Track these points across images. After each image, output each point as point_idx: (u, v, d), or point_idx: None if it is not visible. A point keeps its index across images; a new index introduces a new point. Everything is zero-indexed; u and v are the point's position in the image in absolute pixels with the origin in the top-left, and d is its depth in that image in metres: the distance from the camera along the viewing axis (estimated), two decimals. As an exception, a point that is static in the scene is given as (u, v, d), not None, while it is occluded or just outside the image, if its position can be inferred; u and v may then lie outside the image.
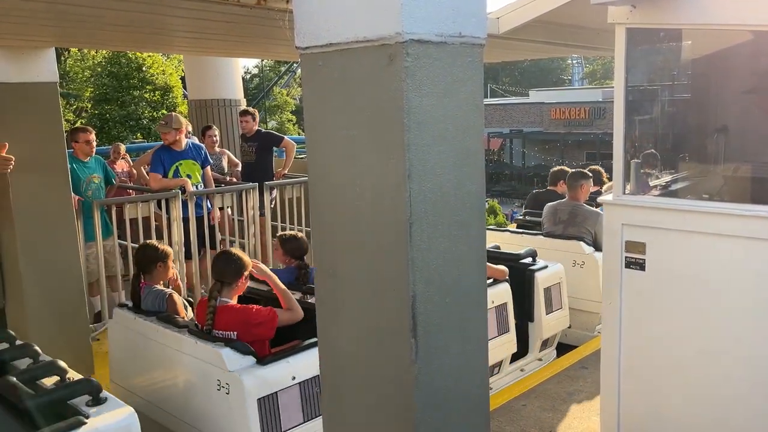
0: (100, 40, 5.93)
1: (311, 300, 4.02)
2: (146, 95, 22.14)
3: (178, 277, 4.56)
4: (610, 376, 3.52)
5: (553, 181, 7.15)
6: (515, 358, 5.09)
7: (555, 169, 7.42)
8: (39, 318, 4.06)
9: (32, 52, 4.79)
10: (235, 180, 8.02)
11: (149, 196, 6.33)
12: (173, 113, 7.08)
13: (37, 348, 3.13)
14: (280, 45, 5.71)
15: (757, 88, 3.41)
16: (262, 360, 3.44)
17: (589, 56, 44.74)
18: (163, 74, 22.42)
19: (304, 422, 3.46)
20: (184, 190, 6.32)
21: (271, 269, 4.25)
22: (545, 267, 5.29)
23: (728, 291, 3.10)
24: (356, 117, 1.84)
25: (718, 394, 3.20)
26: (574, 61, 58.65)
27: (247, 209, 6.93)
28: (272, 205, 7.38)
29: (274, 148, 8.17)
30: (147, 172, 6.98)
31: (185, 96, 18.86)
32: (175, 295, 4.20)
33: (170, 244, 6.29)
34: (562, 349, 5.63)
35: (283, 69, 36.27)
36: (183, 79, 17.19)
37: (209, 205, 6.67)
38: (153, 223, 6.23)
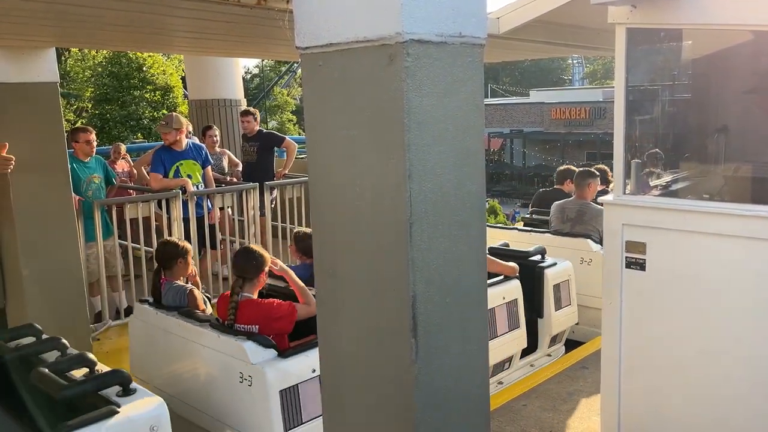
0: (101, 40, 5.93)
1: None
2: (147, 95, 22.14)
3: (197, 273, 4.66)
4: (611, 376, 3.52)
5: (559, 180, 7.20)
6: (525, 353, 5.16)
7: (561, 168, 7.47)
8: (39, 318, 4.06)
9: (33, 52, 4.79)
10: (235, 180, 8.03)
11: (150, 196, 6.34)
12: (174, 113, 7.09)
13: (64, 341, 3.25)
14: (281, 45, 5.71)
15: (757, 88, 3.40)
16: (284, 353, 3.53)
17: (590, 56, 44.74)
18: (164, 74, 22.42)
19: None
20: (184, 190, 6.32)
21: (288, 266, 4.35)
22: (554, 264, 5.36)
23: (729, 291, 3.10)
24: (356, 117, 1.84)
25: (718, 394, 3.20)
26: (575, 61, 58.67)
27: (247, 209, 6.93)
28: (272, 205, 7.38)
29: (275, 149, 8.17)
30: (147, 172, 6.98)
31: (186, 96, 18.87)
32: (196, 291, 4.29)
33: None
34: (570, 345, 5.66)
35: (283, 69, 36.27)
36: (183, 79, 17.20)
37: (209, 205, 6.67)
38: (153, 223, 6.23)
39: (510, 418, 4.30)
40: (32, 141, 4.80)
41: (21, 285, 4.88)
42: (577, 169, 6.90)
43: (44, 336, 3.38)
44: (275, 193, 7.44)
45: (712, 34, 3.32)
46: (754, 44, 3.25)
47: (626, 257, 3.37)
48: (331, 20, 1.83)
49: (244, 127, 8.00)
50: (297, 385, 3.44)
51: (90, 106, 23.46)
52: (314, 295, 3.38)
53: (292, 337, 3.89)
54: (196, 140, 7.74)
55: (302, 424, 3.48)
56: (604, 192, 6.67)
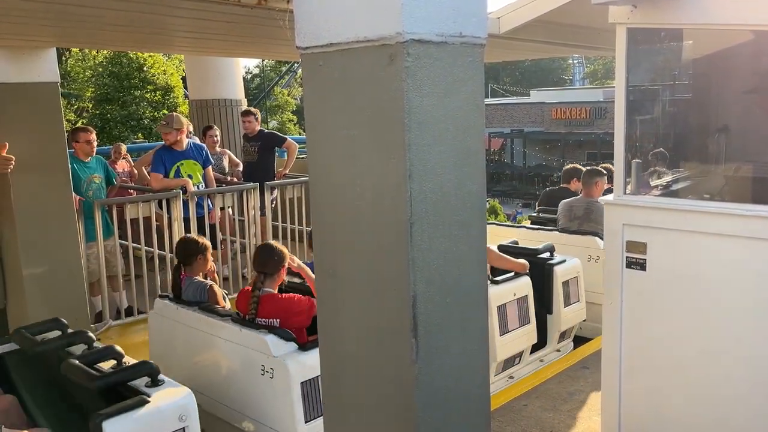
0: (101, 40, 5.94)
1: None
2: (147, 95, 22.14)
3: (215, 269, 4.75)
4: (611, 376, 3.52)
5: (566, 178, 7.25)
6: (535, 349, 5.22)
7: (568, 167, 7.53)
8: (40, 318, 4.08)
9: (33, 52, 4.79)
10: (235, 180, 8.03)
11: (150, 196, 6.34)
12: (174, 113, 7.09)
13: (90, 334, 3.36)
14: (281, 45, 5.71)
15: (758, 88, 3.40)
16: (304, 346, 3.60)
17: (590, 56, 44.73)
18: (164, 74, 22.42)
19: None
20: (185, 190, 6.33)
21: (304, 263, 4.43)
22: (563, 261, 5.41)
23: (729, 291, 3.10)
24: (357, 117, 1.84)
25: (718, 394, 3.20)
26: (575, 61, 58.63)
27: (247, 209, 6.93)
28: (273, 205, 7.38)
29: (276, 149, 8.18)
30: (148, 172, 6.98)
31: (186, 96, 18.87)
32: (215, 286, 4.38)
33: (171, 244, 6.30)
34: (578, 341, 5.72)
35: (284, 69, 36.26)
36: (184, 79, 17.19)
37: (210, 205, 6.68)
38: (154, 223, 6.24)
39: (510, 418, 4.30)
40: (33, 141, 4.80)
41: (21, 285, 4.88)
42: (583, 168, 6.97)
43: (69, 330, 3.48)
44: (275, 193, 7.44)
45: (713, 34, 3.32)
46: (755, 44, 3.25)
47: (627, 257, 3.37)
48: (331, 20, 1.83)
49: (245, 127, 8.01)
50: (317, 377, 3.49)
51: (90, 106, 23.46)
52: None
53: (310, 331, 3.99)
54: (197, 140, 7.74)
55: (322, 415, 3.53)
56: (611, 191, 6.71)
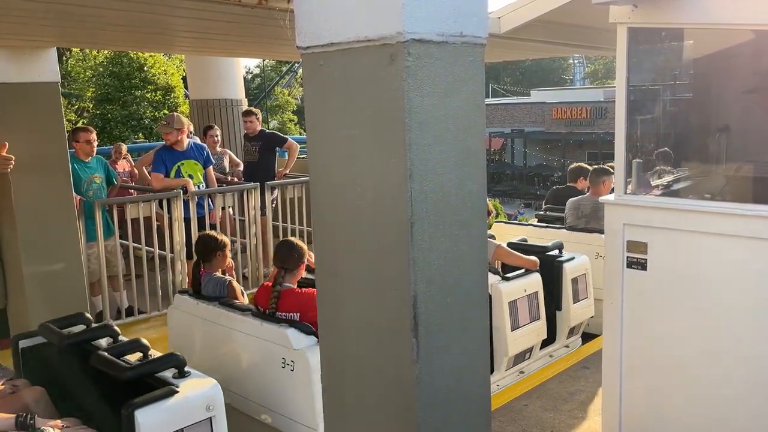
0: (102, 40, 5.93)
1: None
2: (148, 95, 22.15)
3: (233, 266, 4.86)
4: (612, 376, 3.52)
5: (572, 177, 7.33)
6: (544, 344, 5.28)
7: (573, 165, 7.60)
8: (40, 318, 4.08)
9: (33, 52, 4.79)
10: (236, 180, 8.03)
11: (151, 196, 6.34)
12: (175, 113, 7.09)
13: (116, 328, 3.47)
14: (282, 45, 5.71)
15: (758, 88, 3.40)
16: None
17: (591, 56, 44.71)
18: (165, 74, 22.43)
19: None
20: (185, 190, 6.33)
21: None
22: (572, 258, 5.47)
23: (730, 291, 3.10)
24: (357, 117, 1.84)
25: (719, 394, 3.20)
26: (576, 61, 58.61)
27: (248, 209, 6.93)
28: (273, 205, 7.38)
29: (277, 149, 8.18)
30: (149, 172, 6.98)
31: (187, 96, 18.86)
32: (234, 282, 4.46)
33: (172, 244, 6.31)
34: (586, 337, 5.77)
35: (284, 69, 36.27)
36: (184, 79, 17.18)
37: (211, 205, 6.68)
38: (154, 223, 6.24)
39: (511, 418, 4.30)
40: (33, 141, 4.80)
41: (22, 285, 4.88)
42: (589, 167, 7.04)
43: (93, 324, 3.59)
44: (276, 192, 7.44)
45: (714, 33, 3.32)
46: (756, 44, 3.25)
47: (627, 257, 3.37)
48: (332, 20, 1.83)
49: (246, 127, 8.01)
50: None
51: (91, 106, 23.47)
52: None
53: None
54: (198, 140, 7.74)
55: None
56: None
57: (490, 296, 4.69)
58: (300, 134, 24.66)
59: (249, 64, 48.94)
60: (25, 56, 4.76)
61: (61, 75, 5.12)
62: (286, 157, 8.16)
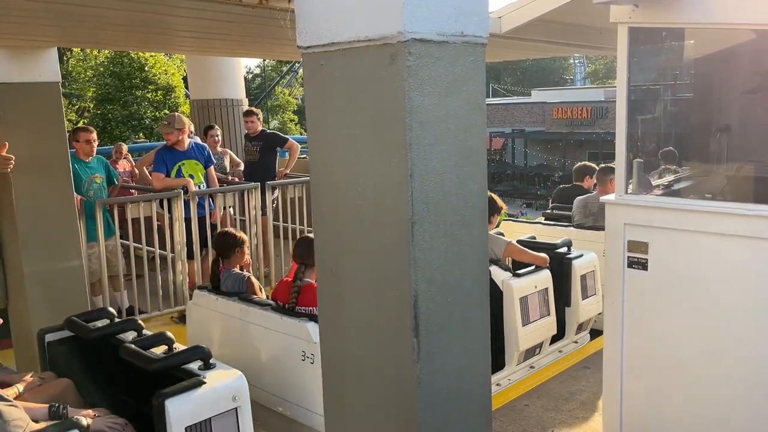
0: (102, 39, 5.93)
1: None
2: (148, 95, 22.15)
3: (250, 262, 4.98)
4: (613, 375, 3.52)
5: (578, 176, 7.41)
6: (554, 340, 5.36)
7: (579, 165, 7.69)
8: (41, 318, 4.09)
9: (34, 51, 4.79)
10: (237, 180, 8.03)
11: (151, 195, 6.34)
12: (176, 113, 7.09)
13: (140, 322, 3.60)
14: (283, 45, 5.71)
15: (759, 88, 3.40)
16: None
17: (592, 56, 44.69)
18: (166, 74, 22.42)
19: None
20: (186, 190, 6.32)
21: None
22: (581, 255, 5.53)
23: (730, 291, 3.10)
24: (358, 116, 1.84)
25: (719, 394, 3.20)
26: (576, 61, 58.58)
27: (248, 209, 6.93)
28: (274, 205, 7.38)
29: (278, 149, 8.18)
30: (149, 172, 6.98)
31: (187, 96, 18.87)
32: (253, 278, 4.59)
33: (172, 244, 6.31)
34: (593, 333, 5.81)
35: (285, 69, 36.27)
36: (185, 78, 17.19)
37: (211, 205, 6.67)
38: (155, 223, 6.23)
39: (512, 418, 4.30)
40: (34, 141, 4.79)
41: (22, 284, 4.88)
42: (595, 166, 7.15)
43: (117, 319, 3.72)
44: (277, 192, 7.43)
45: (715, 33, 3.31)
46: (756, 43, 3.24)
47: (628, 257, 3.37)
48: (332, 20, 1.83)
49: (247, 127, 8.01)
50: None
51: (92, 106, 23.47)
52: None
53: None
54: (198, 140, 7.74)
55: None
56: None
57: (502, 292, 4.82)
58: (301, 134, 24.66)
59: (249, 63, 48.93)
60: (25, 56, 4.76)
61: (61, 75, 5.12)
62: (287, 157, 8.16)
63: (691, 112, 3.84)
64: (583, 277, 5.46)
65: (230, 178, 8.15)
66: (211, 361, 3.13)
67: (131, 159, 9.14)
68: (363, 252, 1.91)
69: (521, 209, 30.41)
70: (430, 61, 1.74)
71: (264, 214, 7.10)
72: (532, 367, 5.11)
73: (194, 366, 3.11)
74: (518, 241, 5.35)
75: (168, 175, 6.44)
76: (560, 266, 5.40)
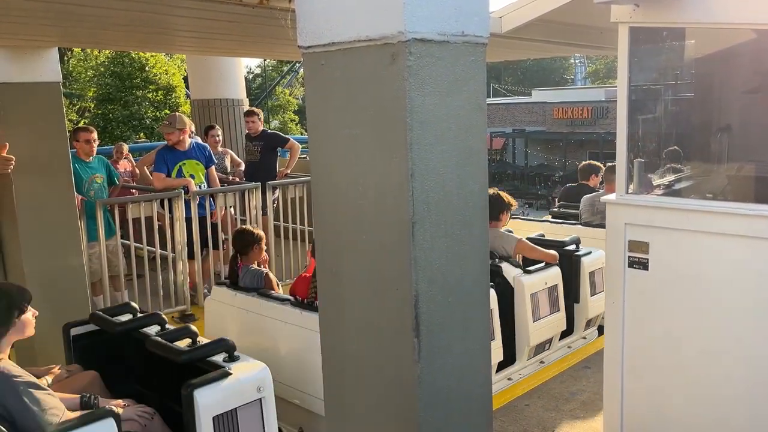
0: (103, 39, 5.93)
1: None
2: (149, 95, 22.17)
3: (267, 258, 5.09)
4: (613, 375, 3.52)
5: (584, 175, 7.50)
6: (563, 336, 5.43)
7: (584, 163, 7.77)
8: (41, 317, 4.09)
9: (35, 51, 4.79)
10: (237, 179, 8.03)
11: (152, 195, 6.34)
12: (177, 113, 7.09)
13: (164, 316, 3.70)
14: (283, 44, 5.71)
15: (760, 87, 3.39)
16: None
17: (592, 55, 44.67)
18: (166, 74, 22.44)
19: None
20: (187, 190, 6.33)
21: None
22: (589, 253, 5.60)
23: (731, 291, 3.09)
24: (359, 116, 1.84)
25: (720, 394, 3.19)
26: (577, 61, 58.54)
27: (249, 209, 6.93)
28: (275, 205, 7.38)
29: (279, 149, 8.18)
30: (150, 172, 6.98)
31: (188, 96, 18.88)
32: (271, 274, 4.67)
33: (173, 244, 6.31)
34: (601, 330, 5.80)
35: (285, 68, 36.28)
36: (186, 78, 17.19)
37: (212, 205, 6.68)
38: (156, 223, 6.24)
39: (512, 418, 4.30)
40: (35, 141, 4.80)
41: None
42: (600, 165, 7.28)
43: (140, 314, 3.80)
44: (277, 192, 7.43)
45: (715, 33, 3.31)
46: (757, 43, 3.24)
47: (629, 257, 3.37)
48: (333, 19, 1.83)
49: (248, 127, 8.01)
50: None
51: (92, 105, 23.50)
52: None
53: None
54: (199, 140, 7.74)
55: None
56: None
57: (513, 288, 4.91)
58: (301, 134, 24.67)
59: (250, 63, 48.97)
60: (26, 56, 4.76)
61: (62, 75, 5.12)
62: (288, 157, 8.16)
63: (692, 111, 3.84)
64: (592, 274, 5.52)
65: (231, 178, 8.16)
66: (235, 353, 3.22)
67: (132, 159, 9.15)
68: (364, 252, 1.91)
69: (524, 209, 30.40)
70: (431, 60, 1.74)
71: (265, 213, 7.11)
72: (542, 362, 5.18)
73: (219, 358, 3.20)
74: (528, 239, 5.42)
75: (169, 175, 6.44)
76: (569, 263, 5.47)
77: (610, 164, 6.87)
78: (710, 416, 3.24)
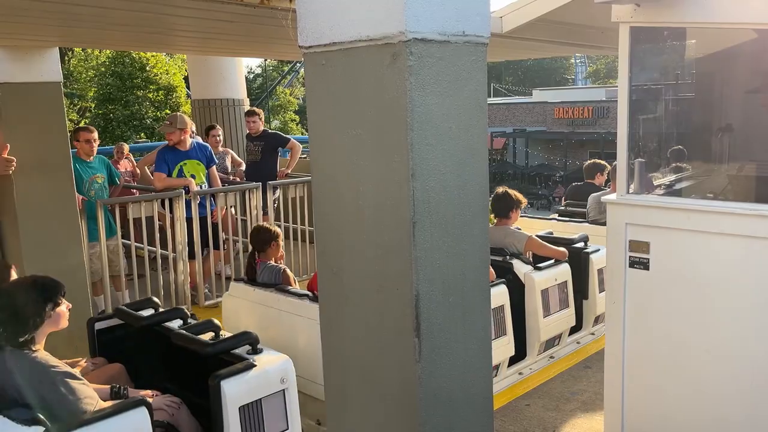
0: (103, 39, 5.94)
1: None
2: (150, 95, 22.17)
3: (284, 255, 5.13)
4: (614, 375, 3.52)
5: (589, 174, 7.56)
6: (572, 332, 5.49)
7: (589, 162, 7.84)
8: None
9: (36, 51, 4.79)
10: (238, 179, 8.03)
11: (153, 195, 6.34)
12: (178, 113, 7.09)
13: (186, 311, 3.81)
14: (284, 44, 5.71)
15: (761, 87, 3.39)
16: None
17: (593, 55, 44.66)
18: (167, 74, 22.43)
19: None
20: (188, 190, 6.33)
21: None
22: (598, 250, 5.63)
23: (732, 290, 3.09)
24: (359, 116, 1.84)
25: (720, 393, 3.19)
26: (578, 60, 58.52)
27: (250, 209, 6.94)
28: (275, 205, 7.38)
29: (279, 149, 8.18)
30: (151, 172, 6.98)
31: (188, 96, 18.88)
32: (288, 270, 4.75)
33: (174, 244, 6.31)
34: None
35: (286, 68, 36.28)
36: (186, 78, 17.19)
37: (213, 205, 6.68)
38: (157, 223, 6.24)
39: (513, 418, 4.30)
40: (36, 141, 4.80)
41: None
42: (606, 163, 7.34)
43: (161, 309, 3.91)
44: (278, 192, 7.43)
45: (716, 32, 3.31)
46: (758, 43, 3.24)
47: (630, 256, 3.36)
48: (334, 19, 1.83)
49: (249, 127, 8.02)
50: None
51: (93, 105, 23.51)
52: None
53: None
54: (200, 140, 7.74)
55: None
56: None
57: (524, 284, 4.97)
58: (302, 134, 24.67)
59: (251, 63, 48.98)
60: (27, 56, 4.76)
61: (63, 75, 5.13)
62: (288, 157, 8.16)
63: (692, 111, 3.84)
64: (600, 271, 5.56)
65: (231, 177, 8.16)
66: (258, 346, 3.29)
67: (133, 159, 9.14)
68: (364, 251, 1.91)
69: (524, 209, 30.35)
70: (432, 60, 1.74)
71: (265, 213, 7.11)
72: (552, 357, 5.23)
73: (242, 351, 3.27)
74: (537, 236, 5.46)
75: (169, 174, 6.44)
76: (578, 260, 5.53)
77: (615, 163, 6.92)
78: (711, 416, 3.23)
